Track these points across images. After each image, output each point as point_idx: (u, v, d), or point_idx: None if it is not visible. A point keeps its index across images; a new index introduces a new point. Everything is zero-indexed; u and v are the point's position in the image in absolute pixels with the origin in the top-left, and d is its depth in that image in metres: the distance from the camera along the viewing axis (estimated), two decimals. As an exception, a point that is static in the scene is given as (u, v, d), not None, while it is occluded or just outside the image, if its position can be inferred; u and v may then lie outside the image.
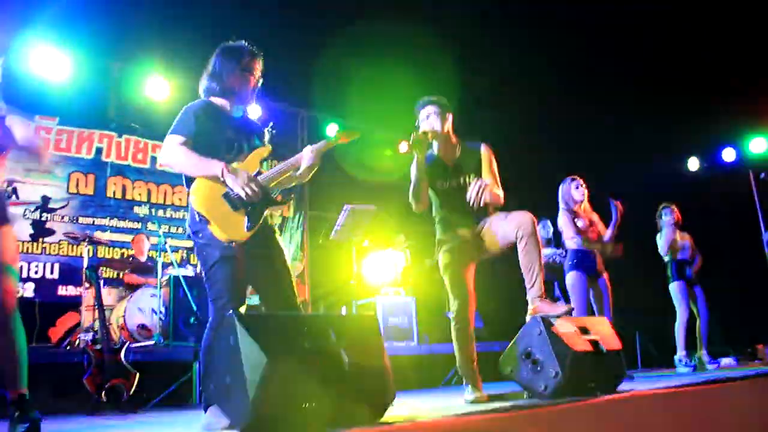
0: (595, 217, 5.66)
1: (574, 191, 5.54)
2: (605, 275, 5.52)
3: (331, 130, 8.61)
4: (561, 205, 5.57)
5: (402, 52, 7.84)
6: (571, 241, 5.50)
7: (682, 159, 10.69)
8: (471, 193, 3.46)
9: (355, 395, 2.30)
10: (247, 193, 2.79)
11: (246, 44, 3.14)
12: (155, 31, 7.11)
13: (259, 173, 2.94)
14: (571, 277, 5.43)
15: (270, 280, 2.99)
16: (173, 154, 2.87)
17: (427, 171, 3.66)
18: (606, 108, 8.95)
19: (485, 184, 3.49)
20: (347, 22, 7.30)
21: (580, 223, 5.47)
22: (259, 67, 3.11)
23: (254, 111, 8.55)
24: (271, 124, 3.33)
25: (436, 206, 3.83)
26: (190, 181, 2.91)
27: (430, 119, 3.73)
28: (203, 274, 2.94)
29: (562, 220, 5.52)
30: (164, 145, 2.91)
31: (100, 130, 8.06)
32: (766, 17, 8.07)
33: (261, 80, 3.14)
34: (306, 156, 3.09)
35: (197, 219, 2.85)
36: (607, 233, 5.47)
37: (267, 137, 3.21)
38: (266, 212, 2.94)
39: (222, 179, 2.81)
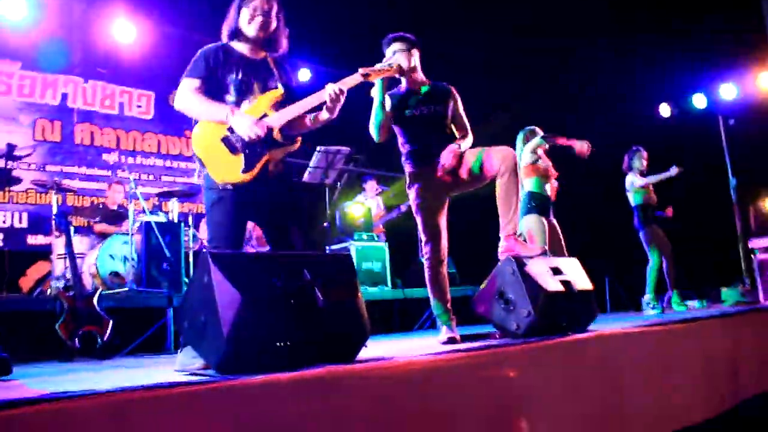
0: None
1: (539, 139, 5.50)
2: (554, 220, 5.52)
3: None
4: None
5: None
6: (528, 183, 5.40)
7: (653, 105, 10.74)
8: (447, 156, 3.50)
9: (329, 334, 2.31)
10: (249, 137, 2.78)
11: None
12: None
13: (265, 116, 2.89)
14: (529, 220, 5.32)
15: (275, 227, 2.99)
16: (185, 99, 2.90)
17: (396, 102, 3.68)
18: (578, 55, 8.91)
19: (459, 149, 3.55)
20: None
21: (542, 165, 5.41)
22: (264, 5, 2.97)
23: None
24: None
25: (406, 138, 3.77)
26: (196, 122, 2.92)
27: (396, 56, 3.69)
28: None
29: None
30: (178, 89, 2.92)
31: (65, 75, 7.85)
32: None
33: (275, 22, 3.01)
34: (329, 90, 2.93)
35: (198, 162, 2.88)
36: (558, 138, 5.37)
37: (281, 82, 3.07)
38: (273, 154, 2.89)
39: (228, 124, 2.81)
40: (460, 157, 3.64)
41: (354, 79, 3.01)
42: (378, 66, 3.17)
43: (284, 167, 3.04)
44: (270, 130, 2.87)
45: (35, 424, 1.49)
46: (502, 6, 8.13)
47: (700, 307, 6.96)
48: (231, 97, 2.92)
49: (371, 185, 8.27)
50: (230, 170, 2.82)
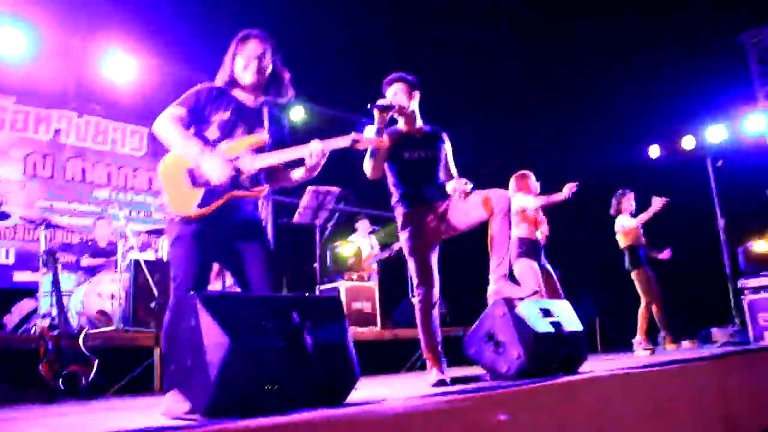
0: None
1: (531, 184, 5.58)
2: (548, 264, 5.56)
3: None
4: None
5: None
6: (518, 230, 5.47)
7: (642, 146, 10.86)
8: (459, 187, 3.48)
9: (319, 377, 2.28)
10: (212, 179, 2.75)
11: (249, 30, 3.02)
12: (120, 9, 6.93)
13: (237, 158, 2.85)
14: (520, 264, 5.41)
15: (239, 266, 2.91)
16: (164, 124, 2.84)
17: (393, 143, 3.65)
18: (567, 95, 9.05)
19: (469, 182, 3.54)
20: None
21: (531, 213, 5.50)
22: (258, 49, 2.96)
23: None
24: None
25: (399, 180, 3.77)
26: None
27: (397, 96, 3.72)
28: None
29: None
30: (162, 113, 2.87)
31: (59, 110, 7.86)
32: (725, 4, 8.22)
33: (271, 65, 2.99)
34: (312, 149, 2.84)
35: (161, 189, 2.86)
36: (545, 198, 5.44)
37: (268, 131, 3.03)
38: (235, 195, 2.85)
39: (196, 160, 2.76)
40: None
41: (341, 142, 2.90)
42: (369, 136, 3.09)
43: (251, 210, 2.99)
44: (237, 171, 2.83)
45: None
46: (492, 48, 8.25)
47: (690, 348, 6.95)
48: (212, 134, 2.89)
49: (363, 224, 8.27)
50: (185, 202, 2.78)
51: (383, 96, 3.77)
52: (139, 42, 7.72)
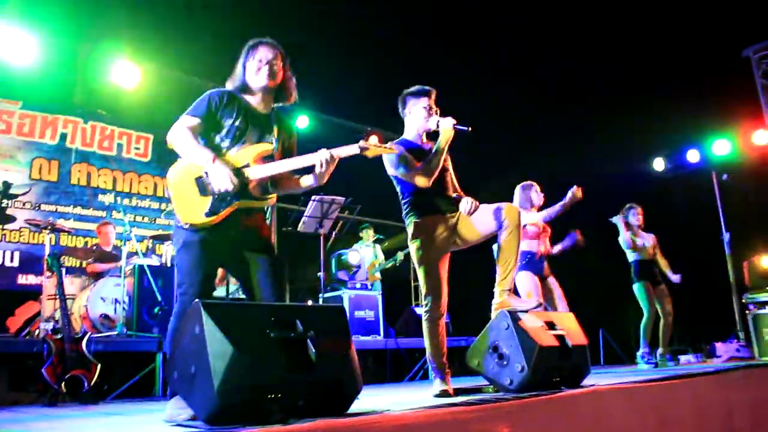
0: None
1: (534, 195, 5.59)
2: (552, 277, 5.57)
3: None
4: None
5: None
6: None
7: (647, 160, 10.86)
8: (467, 207, 3.52)
9: (321, 386, 2.28)
10: (219, 189, 2.76)
11: (259, 39, 3.06)
12: (125, 15, 6.96)
13: (247, 165, 2.87)
14: (521, 277, 5.44)
15: (246, 273, 2.93)
16: (177, 134, 2.88)
17: (413, 155, 3.71)
18: (572, 109, 9.05)
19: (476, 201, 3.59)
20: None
21: (531, 229, 5.51)
22: (268, 55, 2.99)
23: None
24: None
25: (412, 190, 3.76)
26: None
27: (432, 110, 3.79)
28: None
29: None
30: (175, 123, 2.91)
31: (65, 115, 7.90)
32: (730, 19, 8.22)
33: (281, 71, 3.02)
34: (320, 157, 2.86)
35: (170, 197, 2.88)
36: (550, 211, 5.47)
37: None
38: (243, 204, 2.87)
39: (206, 168, 2.79)
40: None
41: (350, 150, 2.90)
42: (376, 142, 3.01)
43: (259, 218, 3.02)
44: (246, 180, 2.86)
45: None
46: (498, 59, 8.27)
47: (692, 362, 6.93)
48: (223, 141, 2.93)
49: (368, 233, 8.27)
50: (194, 211, 2.81)
51: (392, 106, 3.81)
52: (144, 49, 7.75)
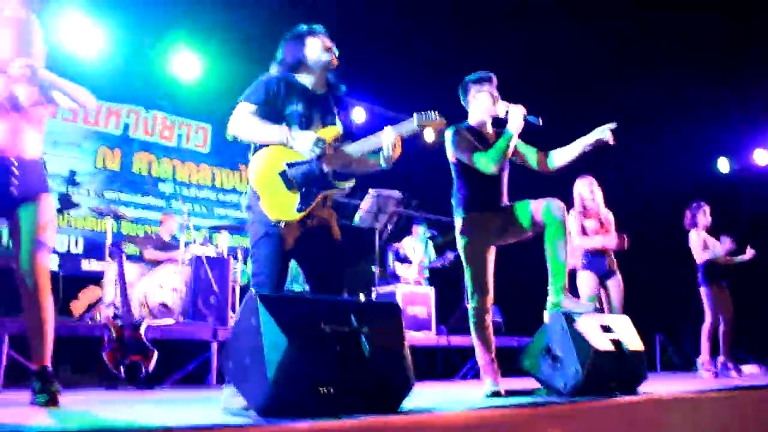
0: (611, 216, 5.56)
1: (582, 189, 5.46)
2: (618, 275, 5.42)
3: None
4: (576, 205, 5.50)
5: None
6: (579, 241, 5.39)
7: (711, 160, 10.52)
8: None
9: (373, 382, 2.28)
10: (314, 151, 2.77)
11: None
12: (187, 7, 7.10)
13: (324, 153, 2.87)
14: (582, 278, 5.36)
15: (316, 268, 2.96)
16: (240, 122, 2.88)
17: (476, 142, 3.63)
18: (636, 104, 8.81)
19: None
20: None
21: (590, 224, 5.40)
22: (327, 38, 3.01)
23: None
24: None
25: (464, 182, 3.70)
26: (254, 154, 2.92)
27: (497, 96, 3.71)
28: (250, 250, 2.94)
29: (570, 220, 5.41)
30: (234, 112, 2.91)
31: (128, 105, 8.11)
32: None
33: (335, 53, 3.01)
34: (387, 139, 2.86)
35: (251, 194, 2.89)
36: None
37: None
38: (327, 193, 2.89)
39: (288, 144, 2.80)
40: (511, 206, 3.62)
41: (410, 127, 2.88)
42: (434, 116, 2.92)
43: (331, 210, 3.02)
44: (326, 168, 2.85)
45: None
46: (560, 50, 8.09)
47: (756, 372, 6.68)
48: (287, 125, 2.90)
49: (419, 230, 8.23)
50: (285, 207, 2.81)
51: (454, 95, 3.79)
52: (205, 40, 7.90)
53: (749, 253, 6.41)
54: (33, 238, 2.85)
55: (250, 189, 2.90)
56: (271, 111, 2.91)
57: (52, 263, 7.00)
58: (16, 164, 2.87)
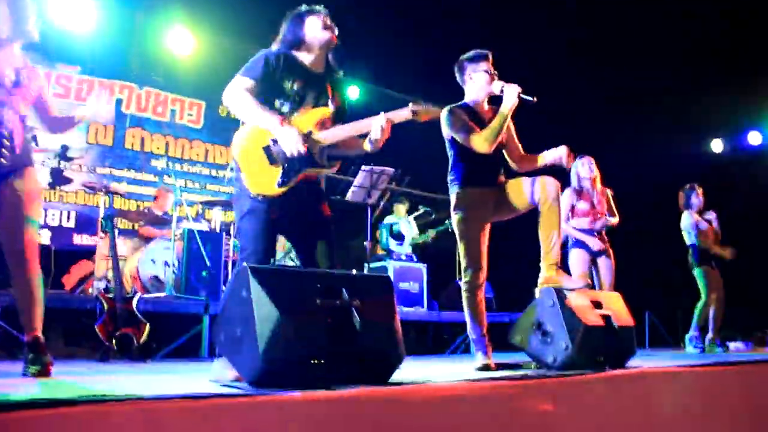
0: (609, 193, 5.58)
1: (581, 168, 5.48)
2: (610, 254, 5.46)
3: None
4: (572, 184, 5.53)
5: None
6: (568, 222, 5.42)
7: (705, 140, 10.54)
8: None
9: (364, 355, 2.30)
10: (292, 153, 2.75)
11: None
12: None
13: (310, 132, 2.86)
14: (573, 256, 5.40)
15: (305, 242, 2.97)
16: (234, 95, 2.86)
17: (471, 119, 3.66)
18: (629, 86, 8.79)
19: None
20: None
21: (581, 206, 5.42)
22: (323, 17, 2.99)
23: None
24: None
25: (460, 158, 3.72)
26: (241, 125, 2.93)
27: (493, 74, 3.71)
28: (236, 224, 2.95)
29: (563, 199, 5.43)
30: (230, 84, 2.88)
31: (121, 80, 8.05)
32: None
33: (335, 32, 2.99)
34: (377, 123, 2.86)
35: (234, 167, 2.89)
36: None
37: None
38: (309, 172, 2.87)
39: (274, 133, 2.79)
40: (505, 183, 3.64)
41: (403, 114, 2.89)
42: (428, 106, 2.95)
43: (318, 184, 3.03)
44: (311, 148, 2.84)
45: (70, 425, 1.51)
46: (557, 33, 8.06)
47: (742, 349, 6.76)
48: (283, 106, 2.90)
49: (400, 207, 8.21)
50: (266, 182, 2.81)
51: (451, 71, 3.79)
52: (199, 16, 7.81)
53: (730, 252, 6.46)
54: (19, 212, 2.86)
55: (234, 162, 2.90)
56: (268, 86, 2.89)
57: (43, 237, 7.05)
58: (7, 135, 2.85)
